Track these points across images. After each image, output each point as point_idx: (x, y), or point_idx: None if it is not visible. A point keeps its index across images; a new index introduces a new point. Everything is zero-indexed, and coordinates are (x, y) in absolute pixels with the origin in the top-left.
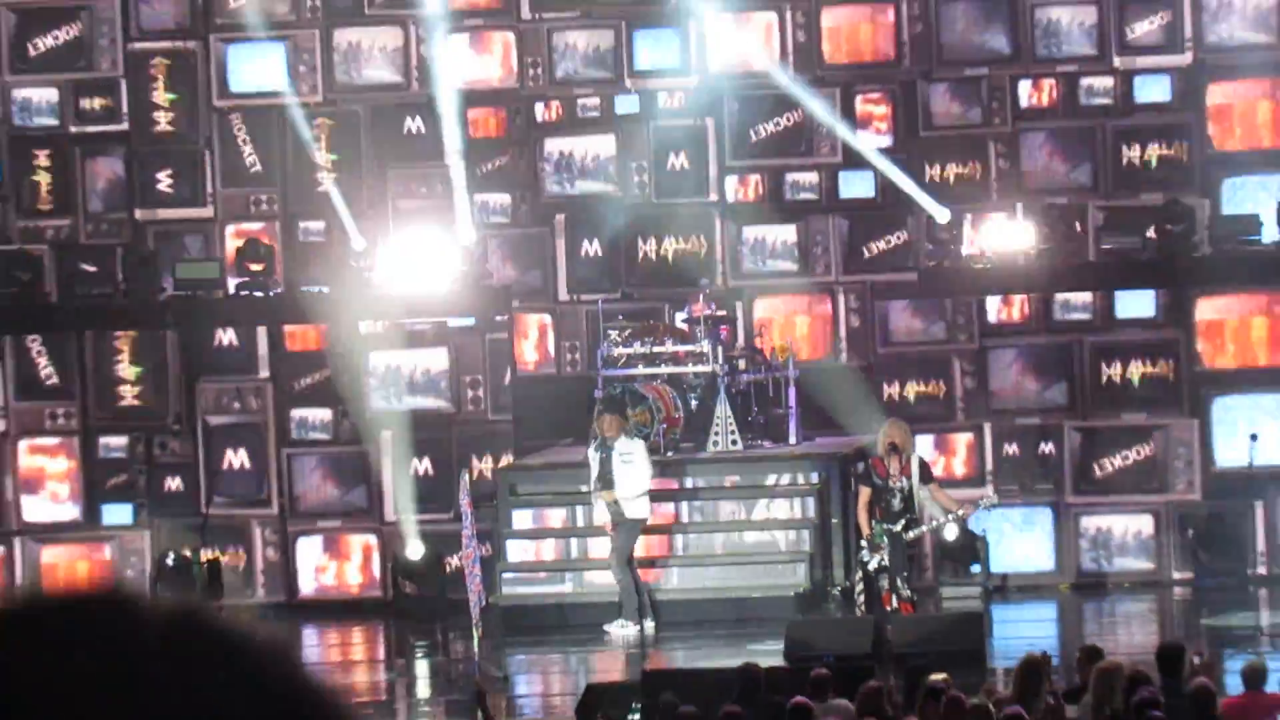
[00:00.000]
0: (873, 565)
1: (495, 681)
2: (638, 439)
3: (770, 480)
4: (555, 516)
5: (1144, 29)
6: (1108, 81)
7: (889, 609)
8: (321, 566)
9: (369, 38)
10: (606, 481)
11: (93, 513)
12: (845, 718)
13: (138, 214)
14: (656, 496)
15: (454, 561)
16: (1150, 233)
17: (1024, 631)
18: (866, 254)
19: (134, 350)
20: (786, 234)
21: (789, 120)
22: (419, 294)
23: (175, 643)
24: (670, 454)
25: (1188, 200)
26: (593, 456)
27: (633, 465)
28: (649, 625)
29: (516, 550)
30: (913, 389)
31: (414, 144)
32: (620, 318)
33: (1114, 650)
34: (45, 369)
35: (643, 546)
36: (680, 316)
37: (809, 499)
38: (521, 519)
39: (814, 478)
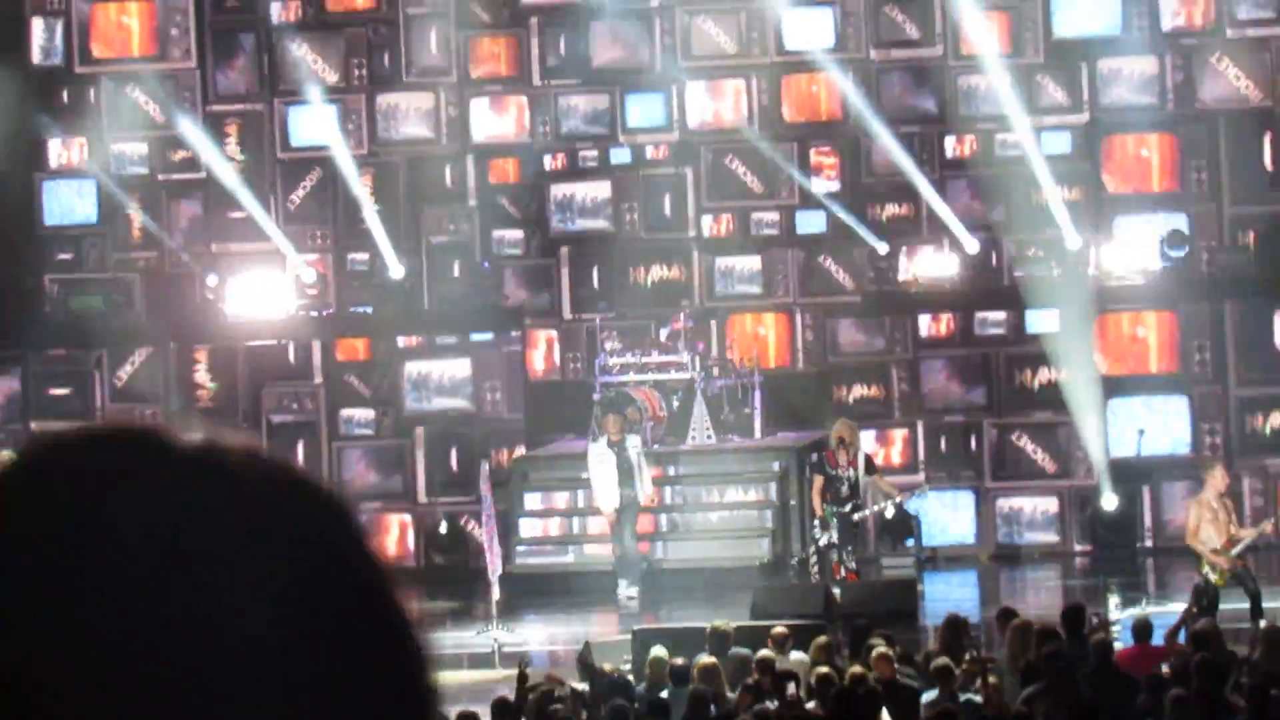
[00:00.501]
0: (824, 541)
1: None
2: (635, 434)
3: (738, 469)
4: (560, 499)
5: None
6: (1017, 136)
7: (838, 577)
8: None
9: (406, 100)
10: (626, 474)
11: None
12: (801, 667)
13: (213, 247)
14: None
15: (476, 536)
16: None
17: (950, 595)
18: (818, 279)
19: (210, 361)
20: (752, 263)
21: (754, 168)
22: (445, 313)
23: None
24: (656, 446)
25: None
26: (604, 455)
27: (643, 456)
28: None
29: (528, 527)
30: (858, 392)
31: (443, 188)
32: (614, 333)
33: (1026, 611)
34: (137, 376)
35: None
36: (664, 332)
37: (771, 484)
38: (532, 501)
39: (775, 467)
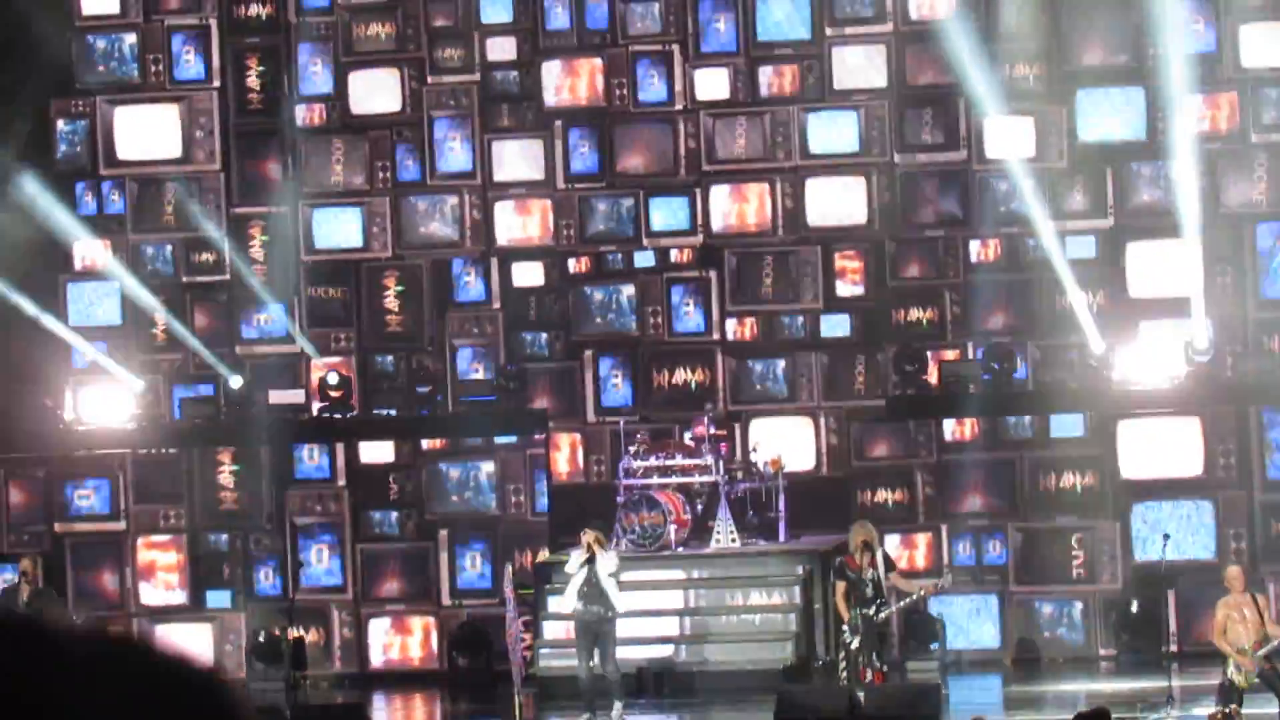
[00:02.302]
0: (854, 645)
1: None
2: (612, 551)
3: (762, 572)
4: None
5: (1074, 197)
6: (1041, 241)
7: (864, 680)
8: (389, 643)
9: (430, 203)
10: (592, 591)
11: (198, 598)
12: None
13: (238, 350)
14: (671, 585)
15: (499, 640)
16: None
17: (974, 699)
18: (842, 383)
19: (234, 462)
20: (777, 366)
21: (778, 272)
22: (472, 416)
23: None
24: (680, 549)
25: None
26: (575, 566)
27: (615, 578)
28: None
29: (551, 630)
30: (882, 495)
31: (467, 291)
32: (638, 436)
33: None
34: (161, 478)
35: (656, 627)
36: (688, 435)
37: (795, 588)
38: (556, 603)
39: (799, 570)
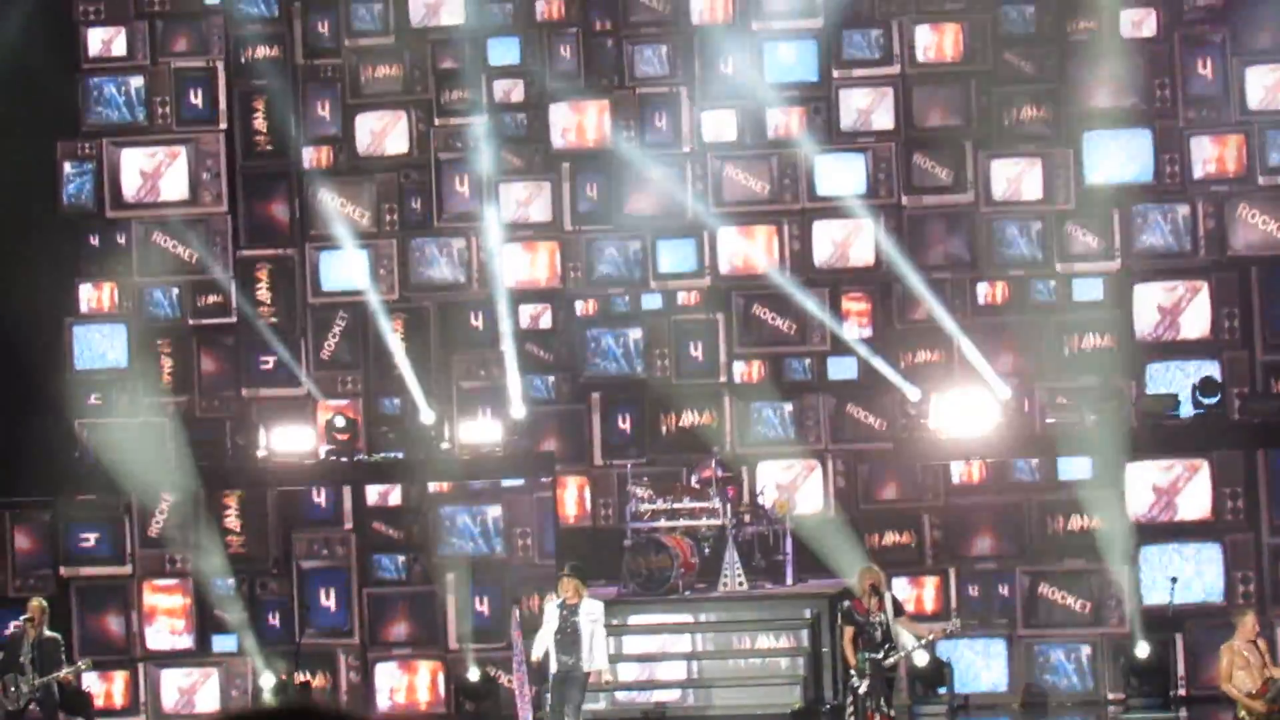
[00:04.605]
0: (862, 690)
1: None
2: (597, 600)
3: (770, 615)
4: None
5: (1081, 239)
6: (1051, 283)
7: None
8: (395, 687)
9: (438, 245)
10: (565, 640)
11: (204, 642)
12: None
13: (244, 392)
14: (678, 629)
15: (507, 683)
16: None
17: None
18: (850, 425)
19: (240, 506)
20: (784, 409)
21: (785, 314)
22: (479, 459)
23: None
24: (688, 593)
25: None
26: (551, 612)
27: (598, 625)
28: None
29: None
30: (890, 538)
31: (474, 334)
32: (645, 479)
33: None
34: (166, 522)
35: (662, 671)
36: (695, 478)
37: (803, 631)
38: (515, 641)
39: (807, 613)
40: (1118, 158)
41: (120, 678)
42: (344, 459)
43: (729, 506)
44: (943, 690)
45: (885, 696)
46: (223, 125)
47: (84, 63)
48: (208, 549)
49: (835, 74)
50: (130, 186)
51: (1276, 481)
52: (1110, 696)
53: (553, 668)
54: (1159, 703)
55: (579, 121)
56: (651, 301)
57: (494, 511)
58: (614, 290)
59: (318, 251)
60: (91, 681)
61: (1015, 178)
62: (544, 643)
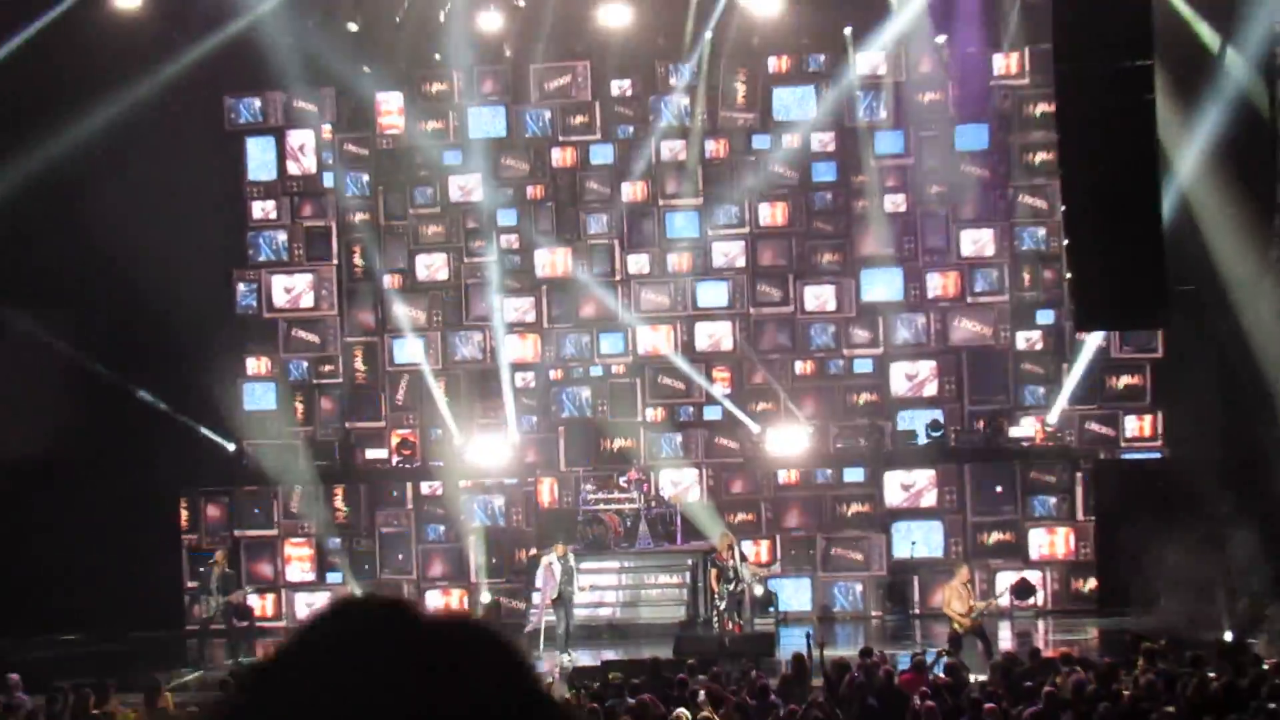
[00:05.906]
0: (723, 607)
1: None
2: (573, 554)
3: (667, 562)
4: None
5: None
6: (840, 362)
7: (728, 629)
8: (438, 607)
9: (467, 335)
10: (565, 577)
11: (321, 577)
12: (707, 688)
13: (347, 424)
14: (610, 571)
15: (511, 605)
16: None
17: (794, 642)
18: (717, 448)
19: (344, 494)
20: (676, 438)
21: (678, 379)
22: (488, 466)
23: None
24: (618, 549)
25: None
26: (555, 567)
27: (575, 567)
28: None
29: (534, 598)
30: (741, 517)
31: (487, 390)
32: (592, 479)
33: (839, 653)
34: (298, 503)
35: (602, 597)
36: (623, 479)
37: (686, 573)
38: (538, 579)
39: (689, 562)
40: (882, 285)
41: (270, 599)
42: (406, 465)
43: (643, 497)
44: (771, 609)
45: (737, 612)
46: (335, 261)
47: (250, 223)
48: (324, 520)
49: (709, 232)
50: (279, 299)
51: (975, 484)
52: (874, 613)
53: (561, 595)
54: (904, 619)
55: (553, 260)
56: (596, 371)
57: (498, 500)
58: (573, 364)
59: (392, 339)
60: (253, 601)
61: (820, 297)
62: (554, 581)
